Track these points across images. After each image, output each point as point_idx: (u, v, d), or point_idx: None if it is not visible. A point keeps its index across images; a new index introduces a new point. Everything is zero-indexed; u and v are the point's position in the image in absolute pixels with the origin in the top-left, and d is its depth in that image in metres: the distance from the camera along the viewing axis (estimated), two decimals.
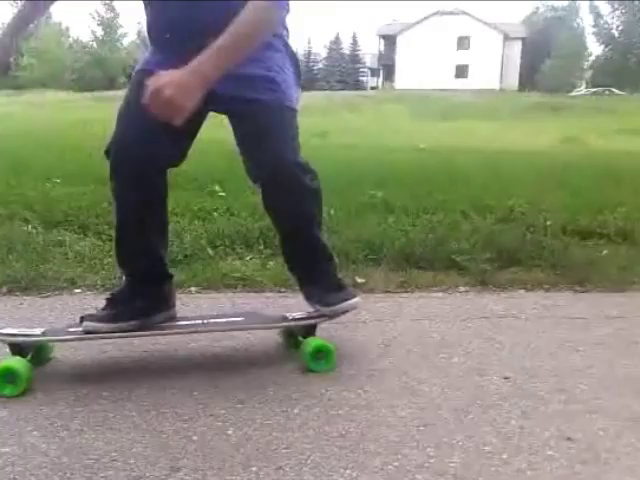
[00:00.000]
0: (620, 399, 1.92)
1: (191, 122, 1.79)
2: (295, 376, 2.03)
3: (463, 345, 2.34)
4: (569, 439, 1.67)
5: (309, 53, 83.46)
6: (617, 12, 56.53)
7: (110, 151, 1.99)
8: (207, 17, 1.80)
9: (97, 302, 2.40)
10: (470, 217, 4.10)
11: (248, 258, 3.27)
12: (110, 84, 49.43)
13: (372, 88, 64.88)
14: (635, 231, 3.89)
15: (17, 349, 1.94)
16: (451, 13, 54.22)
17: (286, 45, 2.05)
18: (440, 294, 3.08)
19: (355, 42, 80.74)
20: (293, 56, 2.09)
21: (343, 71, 77.09)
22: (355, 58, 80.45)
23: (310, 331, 2.17)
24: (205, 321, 2.19)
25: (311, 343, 2.10)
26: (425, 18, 55.65)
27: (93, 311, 2.09)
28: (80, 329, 1.99)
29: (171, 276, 2.22)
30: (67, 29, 64.08)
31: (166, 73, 1.65)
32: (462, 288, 3.16)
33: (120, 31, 59.97)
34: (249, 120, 1.99)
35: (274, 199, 2.09)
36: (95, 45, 58.28)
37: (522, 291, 3.11)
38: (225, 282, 2.99)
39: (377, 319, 2.62)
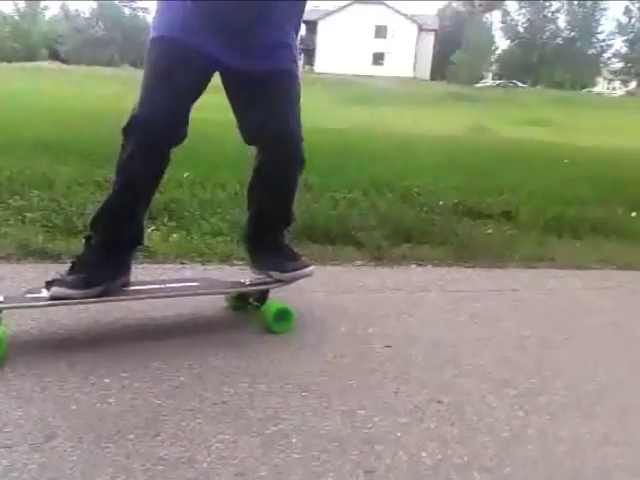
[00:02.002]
0: (486, 366, 1.99)
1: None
2: (184, 345, 1.98)
3: (352, 315, 2.36)
4: (439, 402, 1.71)
5: None
6: (523, 10, 58.30)
7: (134, 122, 1.89)
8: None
9: None
10: (371, 195, 4.13)
11: (150, 230, 3.18)
12: (30, 56, 47.29)
13: None
14: (519, 212, 4.03)
15: None
16: (370, 2, 54.45)
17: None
18: (338, 268, 3.09)
19: None
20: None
21: None
22: None
23: (264, 296, 2.21)
24: (164, 285, 2.17)
25: (272, 306, 2.15)
26: (346, 6, 55.66)
27: (57, 276, 1.93)
28: (43, 295, 1.86)
29: (142, 243, 2.18)
30: None
31: None
32: (359, 262, 3.19)
33: (43, 4, 57.53)
34: (261, 87, 1.97)
35: (272, 164, 2.13)
36: (17, 17, 55.63)
37: (414, 266, 3.17)
38: None
39: (274, 290, 2.60)
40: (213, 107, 3.54)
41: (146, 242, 2.99)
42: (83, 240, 2.08)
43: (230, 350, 1.95)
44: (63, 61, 49.56)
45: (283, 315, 2.15)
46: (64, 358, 1.80)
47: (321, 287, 2.68)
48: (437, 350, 2.09)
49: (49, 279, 1.91)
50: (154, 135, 1.89)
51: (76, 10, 70.14)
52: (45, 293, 1.88)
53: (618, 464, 1.49)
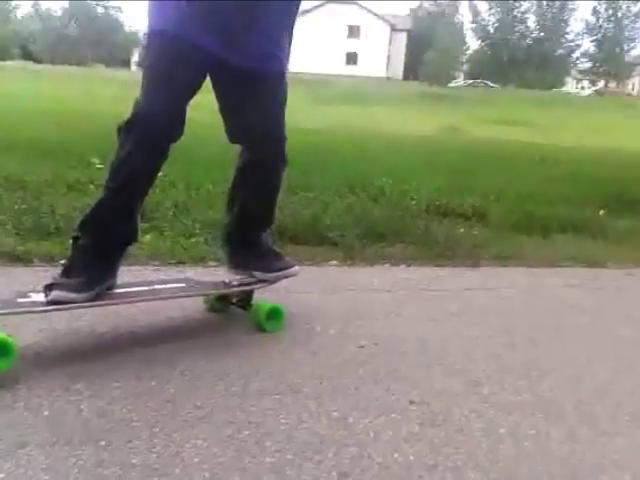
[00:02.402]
0: (461, 364, 1.99)
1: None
2: (156, 348, 1.96)
3: (328, 315, 2.35)
4: (412, 402, 1.71)
5: None
6: (493, 10, 58.82)
7: (134, 120, 1.86)
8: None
9: None
10: (344, 195, 4.13)
11: None
12: (2, 55, 46.60)
13: None
14: (489, 212, 4.06)
15: None
16: (342, 2, 54.50)
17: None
18: (313, 268, 3.08)
19: None
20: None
21: None
22: None
23: (248, 297, 2.21)
24: (151, 287, 2.14)
25: (264, 306, 2.15)
26: (319, 6, 55.63)
27: (50, 280, 1.87)
28: (39, 299, 1.81)
29: (137, 240, 2.16)
30: None
31: None
32: (333, 262, 3.18)
33: (14, 3, 56.62)
34: (252, 86, 1.98)
35: (258, 164, 2.13)
36: None
37: (387, 265, 3.17)
38: None
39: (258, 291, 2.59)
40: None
41: None
42: (71, 242, 2.03)
43: (198, 354, 1.93)
44: (36, 60, 48.86)
45: (274, 314, 2.15)
46: (39, 366, 1.76)
47: (298, 287, 2.67)
48: (424, 349, 2.10)
49: (47, 282, 1.85)
50: (155, 132, 1.87)
51: (48, 9, 69.30)
52: (38, 297, 1.82)
53: (614, 460, 1.51)
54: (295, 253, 3.19)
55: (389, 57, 56.70)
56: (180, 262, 2.94)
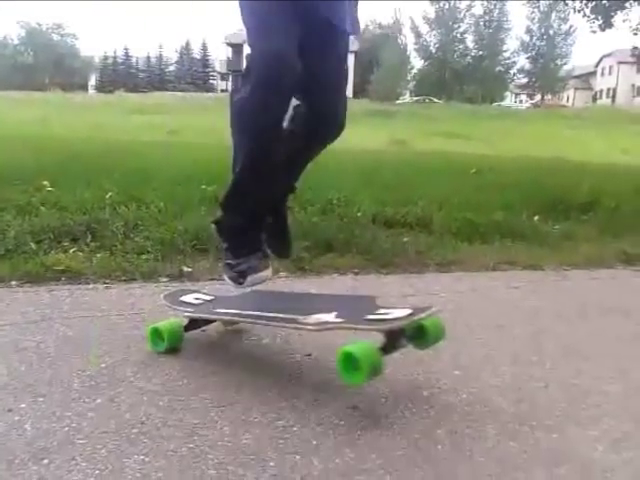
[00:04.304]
0: (402, 369, 1.98)
1: None
2: (103, 364, 1.89)
3: (275, 328, 2.31)
4: (355, 407, 1.69)
5: (160, 56, 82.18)
6: (434, 32, 60.08)
7: (262, 61, 1.75)
8: None
9: None
10: (292, 209, 4.10)
11: (72, 251, 3.05)
12: None
13: (222, 91, 64.44)
14: (432, 221, 4.09)
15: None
16: None
17: None
18: None
19: (205, 48, 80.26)
20: None
21: (194, 74, 76.36)
22: (205, 63, 79.86)
23: None
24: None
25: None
26: None
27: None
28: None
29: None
30: None
31: None
32: (283, 274, 3.16)
33: None
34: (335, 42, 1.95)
35: (314, 117, 2.01)
36: None
37: (335, 275, 3.16)
38: (48, 275, 2.77)
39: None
40: (136, 127, 3.45)
41: (68, 264, 2.90)
42: (214, 228, 2.06)
43: (145, 369, 1.88)
44: None
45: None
46: None
47: None
48: None
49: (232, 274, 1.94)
50: (277, 68, 1.73)
51: (4, 37, 68.15)
52: (234, 286, 1.93)
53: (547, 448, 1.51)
54: None
55: None
56: (131, 279, 2.87)
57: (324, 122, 2.03)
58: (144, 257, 3.07)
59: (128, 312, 2.39)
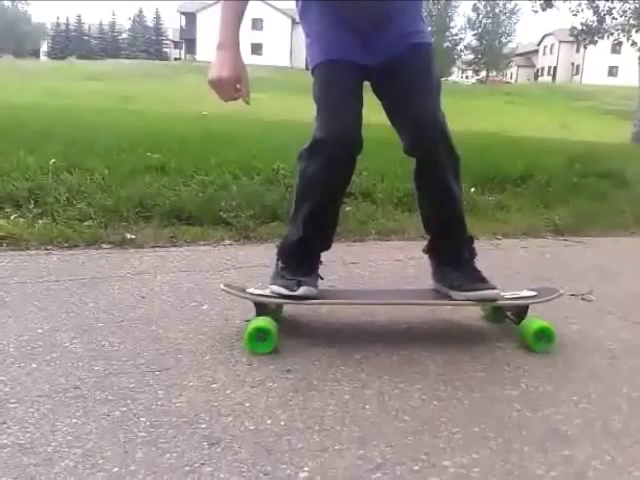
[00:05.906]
0: (337, 335, 2.00)
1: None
2: (40, 330, 1.85)
3: (215, 293, 2.29)
4: (289, 371, 1.69)
5: (114, 24, 79.61)
6: None
7: (325, 141, 1.82)
8: None
9: None
10: (239, 178, 4.06)
11: (14, 217, 2.95)
12: None
13: (176, 59, 62.92)
14: (375, 191, 4.10)
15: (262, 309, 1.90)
16: None
17: None
18: (206, 248, 3.02)
19: (158, 16, 77.85)
20: None
21: (147, 42, 74.12)
22: (158, 31, 77.59)
23: (522, 311, 2.04)
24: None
25: (533, 324, 1.96)
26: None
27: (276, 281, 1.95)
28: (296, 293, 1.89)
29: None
30: None
31: None
32: (227, 242, 3.13)
33: None
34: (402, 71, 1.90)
35: (424, 163, 2.05)
36: None
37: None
38: None
39: (139, 272, 2.49)
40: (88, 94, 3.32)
41: (9, 229, 2.80)
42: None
43: (82, 335, 1.84)
44: None
45: (543, 333, 1.93)
46: None
47: (188, 267, 2.60)
48: (297, 324, 2.08)
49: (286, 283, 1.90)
50: (339, 149, 1.83)
51: None
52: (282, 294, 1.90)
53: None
54: (189, 234, 3.13)
55: (292, 48, 56.38)
56: (74, 245, 2.80)
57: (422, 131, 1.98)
58: (87, 224, 3.00)
59: (68, 278, 2.32)
